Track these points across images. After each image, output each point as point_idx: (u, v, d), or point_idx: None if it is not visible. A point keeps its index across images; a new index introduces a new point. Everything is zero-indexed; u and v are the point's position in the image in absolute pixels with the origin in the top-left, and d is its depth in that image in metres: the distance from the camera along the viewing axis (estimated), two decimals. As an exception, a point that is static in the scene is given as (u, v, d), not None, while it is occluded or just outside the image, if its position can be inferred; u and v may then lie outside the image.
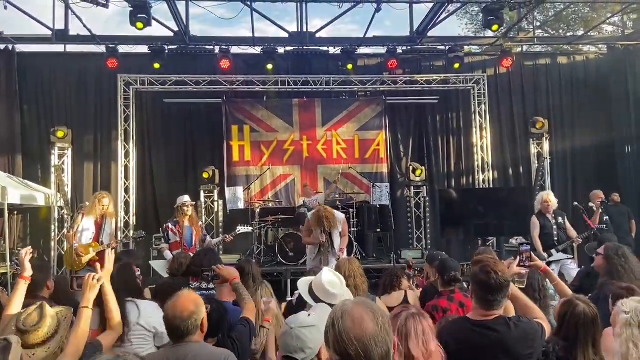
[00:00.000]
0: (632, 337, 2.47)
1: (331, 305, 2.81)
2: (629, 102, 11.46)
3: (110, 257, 3.20)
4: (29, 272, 3.23)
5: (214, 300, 3.22)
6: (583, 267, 6.57)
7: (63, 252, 8.89)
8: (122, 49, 10.54)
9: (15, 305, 3.05)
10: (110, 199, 6.89)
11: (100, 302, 3.26)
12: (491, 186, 11.26)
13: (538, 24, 14.56)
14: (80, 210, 7.14)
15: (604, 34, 13.64)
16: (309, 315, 2.42)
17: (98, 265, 3.14)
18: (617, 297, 3.47)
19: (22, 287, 3.16)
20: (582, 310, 2.88)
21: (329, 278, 3.10)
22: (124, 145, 10.78)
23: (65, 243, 8.51)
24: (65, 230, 9.31)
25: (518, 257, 3.45)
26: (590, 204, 9.07)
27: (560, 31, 17.73)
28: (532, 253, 3.60)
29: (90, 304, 2.77)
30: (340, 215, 6.85)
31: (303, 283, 3.24)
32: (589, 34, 12.46)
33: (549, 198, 7.31)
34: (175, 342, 2.64)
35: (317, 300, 2.98)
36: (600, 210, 8.06)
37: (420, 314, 2.35)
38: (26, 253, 3.31)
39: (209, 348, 2.73)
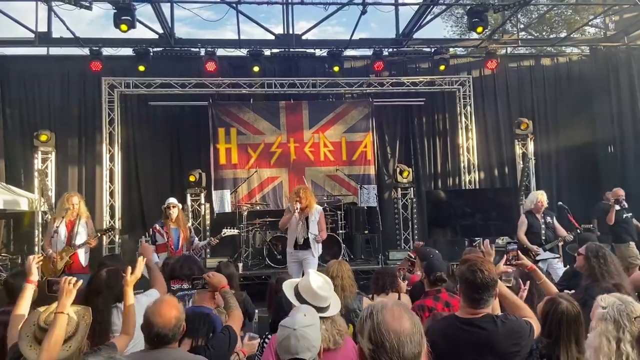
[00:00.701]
0: (606, 332, 2.50)
1: (318, 309, 2.81)
2: (611, 103, 11.63)
3: (140, 264, 3.31)
4: (35, 277, 3.22)
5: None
6: (569, 266, 6.63)
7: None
8: (106, 51, 10.44)
9: (22, 307, 3.04)
10: (79, 198, 6.81)
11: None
12: (477, 187, 11.34)
13: (522, 26, 14.74)
14: (54, 216, 6.99)
15: (586, 35, 13.82)
16: (304, 315, 2.42)
17: (129, 269, 3.21)
18: (607, 293, 3.50)
19: (29, 291, 3.15)
20: (565, 307, 2.90)
21: (318, 281, 3.08)
22: (109, 148, 10.67)
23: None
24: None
25: (505, 256, 3.49)
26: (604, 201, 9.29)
27: (544, 33, 17.95)
28: (519, 252, 3.63)
29: (65, 309, 2.65)
30: (317, 207, 6.92)
31: (288, 285, 3.22)
32: (571, 35, 12.63)
33: (543, 198, 7.37)
34: (154, 347, 2.62)
35: (303, 302, 2.95)
36: (618, 207, 8.16)
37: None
38: (34, 259, 3.30)
39: (184, 354, 2.71)
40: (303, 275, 3.49)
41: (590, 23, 13.42)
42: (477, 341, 2.53)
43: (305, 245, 6.69)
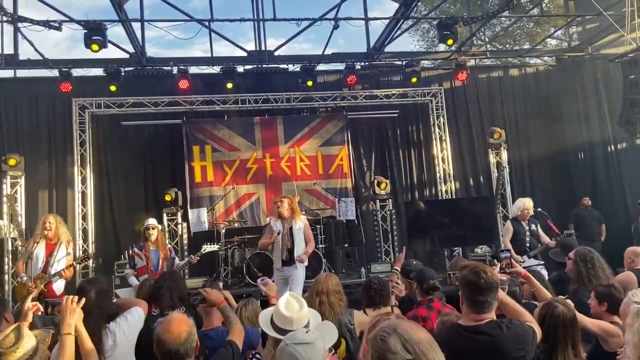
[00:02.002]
0: None
1: (286, 332, 2.68)
2: (579, 111, 11.96)
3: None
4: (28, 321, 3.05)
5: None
6: (555, 272, 6.72)
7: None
8: (76, 72, 10.24)
9: None
10: (57, 221, 6.47)
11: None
12: (453, 197, 11.45)
13: (487, 39, 15.13)
14: (31, 239, 6.69)
15: (549, 47, 14.26)
16: (307, 332, 2.32)
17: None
18: (607, 294, 3.55)
19: None
20: (561, 311, 2.93)
21: (286, 300, 2.95)
22: (81, 170, 10.41)
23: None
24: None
25: (498, 264, 3.50)
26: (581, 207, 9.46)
27: (507, 46, 18.47)
28: (512, 260, 3.65)
29: (72, 330, 2.64)
30: (302, 217, 6.73)
31: (264, 315, 3.09)
32: (537, 47, 13.00)
33: (530, 205, 7.42)
34: None
35: (277, 329, 2.83)
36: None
37: (401, 319, 2.33)
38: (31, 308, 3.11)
39: None
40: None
41: (552, 35, 13.85)
42: (484, 348, 2.51)
43: (291, 260, 6.45)
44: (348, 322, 3.87)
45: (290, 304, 2.93)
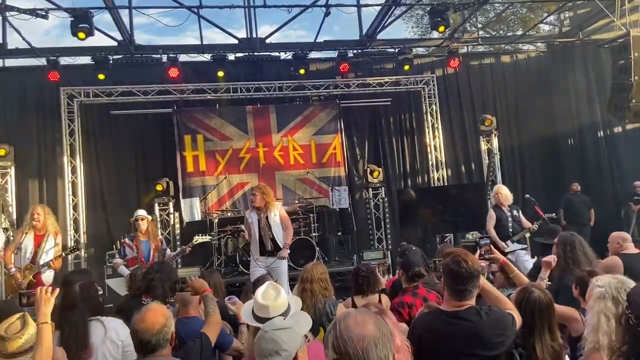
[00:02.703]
0: (605, 309, 2.56)
1: (264, 320, 2.73)
2: (569, 97, 12.01)
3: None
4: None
5: None
6: (537, 257, 6.79)
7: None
8: (64, 60, 10.14)
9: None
10: (45, 212, 6.41)
11: (59, 325, 3.13)
12: (445, 184, 11.49)
13: (480, 25, 15.07)
14: (19, 230, 6.66)
15: (542, 32, 14.22)
16: (284, 319, 2.39)
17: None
18: (580, 280, 3.59)
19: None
20: (537, 296, 2.97)
21: (262, 290, 3.02)
22: (70, 160, 10.34)
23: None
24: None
25: (478, 251, 3.55)
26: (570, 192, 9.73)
27: (501, 32, 18.40)
28: (491, 246, 3.70)
29: (48, 319, 2.65)
30: (276, 204, 6.64)
31: (246, 307, 3.14)
32: (528, 33, 12.98)
33: (500, 190, 7.70)
34: (144, 356, 2.56)
35: (257, 318, 2.89)
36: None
37: (382, 312, 2.35)
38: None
39: None
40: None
41: (545, 21, 13.82)
42: (463, 333, 2.55)
43: (275, 250, 6.31)
44: (329, 312, 3.90)
45: (267, 293, 3.00)
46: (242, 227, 7.47)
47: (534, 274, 5.11)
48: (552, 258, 4.12)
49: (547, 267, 4.11)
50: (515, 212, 7.62)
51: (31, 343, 2.55)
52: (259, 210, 6.31)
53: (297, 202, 10.37)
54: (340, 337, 1.59)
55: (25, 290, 3.11)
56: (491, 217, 7.64)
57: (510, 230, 7.49)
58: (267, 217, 6.31)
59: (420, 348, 2.57)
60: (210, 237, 8.15)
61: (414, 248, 4.61)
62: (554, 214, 8.88)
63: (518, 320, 2.75)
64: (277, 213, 6.38)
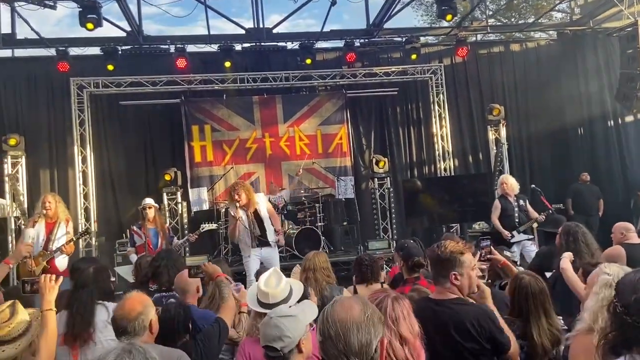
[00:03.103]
0: (609, 297, 2.56)
1: (267, 305, 2.83)
2: (579, 86, 11.87)
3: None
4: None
5: (177, 304, 3.19)
6: (543, 247, 6.79)
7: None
8: (74, 51, 10.25)
9: None
10: (55, 200, 6.52)
11: (68, 304, 3.24)
12: (452, 174, 11.46)
13: (490, 12, 14.91)
14: (31, 218, 6.79)
15: (553, 20, 14.05)
16: (290, 307, 2.48)
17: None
18: (587, 272, 3.60)
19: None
20: (528, 281, 3.02)
21: (265, 277, 3.11)
22: (81, 150, 10.48)
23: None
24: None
25: (478, 253, 3.55)
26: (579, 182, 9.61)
27: (512, 19, 18.19)
28: (492, 248, 3.70)
29: (52, 306, 2.73)
30: (259, 195, 6.74)
31: (251, 292, 3.25)
32: (539, 21, 12.83)
33: (506, 180, 7.60)
34: (121, 341, 2.62)
35: (261, 304, 2.99)
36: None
37: (401, 297, 2.37)
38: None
39: (158, 348, 2.68)
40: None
41: (556, 8, 13.65)
42: (442, 320, 2.59)
43: (266, 240, 6.40)
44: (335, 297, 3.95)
45: (269, 280, 3.11)
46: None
47: (537, 262, 5.14)
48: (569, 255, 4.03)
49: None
50: (521, 202, 7.52)
51: (20, 331, 2.58)
52: (243, 206, 6.35)
53: (302, 191, 10.41)
54: (325, 320, 1.62)
55: (29, 278, 3.19)
56: (496, 208, 7.58)
57: (517, 220, 7.40)
58: (254, 212, 6.39)
59: None
60: (217, 225, 8.23)
61: (412, 241, 4.65)
62: (561, 205, 8.85)
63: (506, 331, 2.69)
64: (264, 206, 6.51)
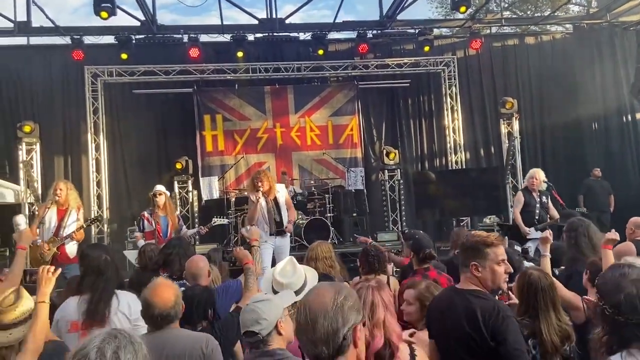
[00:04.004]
0: None
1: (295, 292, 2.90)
2: (594, 80, 11.72)
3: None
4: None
5: (202, 289, 3.22)
6: (554, 241, 6.70)
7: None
8: (88, 39, 10.32)
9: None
10: (67, 187, 6.48)
11: (79, 289, 3.23)
12: (463, 167, 11.41)
13: (505, 5, 14.76)
14: (43, 204, 6.85)
15: (570, 14, 13.86)
16: (265, 293, 2.59)
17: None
18: (591, 266, 3.58)
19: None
20: (537, 276, 2.98)
21: (281, 266, 3.16)
22: (94, 138, 10.60)
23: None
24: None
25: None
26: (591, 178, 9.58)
27: (528, 12, 17.97)
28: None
29: (46, 298, 2.67)
30: (279, 186, 6.81)
31: (266, 281, 3.29)
32: (555, 14, 12.66)
33: (537, 174, 7.24)
34: (156, 328, 2.67)
35: (275, 293, 3.05)
36: None
37: (380, 288, 2.34)
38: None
39: (187, 332, 2.77)
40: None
41: (573, 1, 13.45)
42: (457, 309, 2.56)
43: (281, 231, 6.48)
44: None
45: (285, 270, 3.14)
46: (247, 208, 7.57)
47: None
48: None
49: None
50: (544, 199, 7.20)
51: (26, 315, 2.56)
52: (265, 194, 6.44)
53: (312, 182, 10.44)
54: (300, 307, 1.62)
55: (31, 268, 3.19)
56: (519, 201, 7.21)
57: (537, 217, 7.07)
58: (274, 199, 6.46)
59: (430, 320, 2.72)
60: (228, 220, 8.23)
61: (421, 232, 4.64)
62: (585, 209, 8.72)
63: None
64: (283, 195, 6.58)
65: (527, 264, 4.35)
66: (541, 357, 2.82)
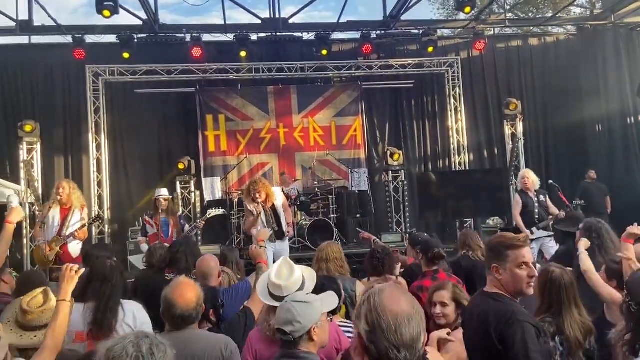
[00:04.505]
0: None
1: (279, 298, 2.76)
2: (598, 82, 11.68)
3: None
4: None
5: (205, 289, 3.14)
6: (563, 245, 6.66)
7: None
8: (90, 38, 10.26)
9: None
10: (70, 186, 6.47)
11: (84, 295, 3.07)
12: (467, 168, 11.36)
13: (508, 7, 14.71)
14: (46, 204, 6.80)
15: (573, 15, 13.83)
16: (307, 294, 2.50)
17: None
18: (612, 270, 3.53)
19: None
20: (560, 273, 2.96)
21: (276, 268, 3.03)
22: (95, 137, 10.52)
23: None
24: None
25: None
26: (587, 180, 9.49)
27: (530, 14, 17.95)
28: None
29: (68, 297, 2.64)
30: (275, 190, 6.77)
31: (261, 284, 3.13)
32: (558, 15, 12.63)
33: (527, 175, 7.37)
34: (177, 329, 2.62)
35: (273, 297, 2.91)
36: None
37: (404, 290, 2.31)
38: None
39: (207, 334, 2.75)
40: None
41: (576, 3, 13.41)
42: (475, 311, 2.52)
43: (281, 234, 6.50)
44: (350, 289, 3.91)
45: (281, 272, 3.01)
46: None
47: (555, 262, 5.04)
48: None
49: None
50: (542, 198, 7.26)
51: (51, 317, 2.56)
52: (263, 202, 6.40)
53: (315, 183, 10.38)
54: (374, 311, 1.59)
55: (56, 266, 3.15)
56: (517, 203, 7.32)
57: (537, 217, 7.15)
58: (271, 207, 6.45)
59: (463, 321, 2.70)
60: (224, 210, 8.14)
61: (425, 234, 4.57)
62: (582, 201, 8.67)
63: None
64: (280, 199, 6.60)
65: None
66: (567, 354, 2.79)
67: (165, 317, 2.67)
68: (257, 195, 6.31)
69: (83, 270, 2.83)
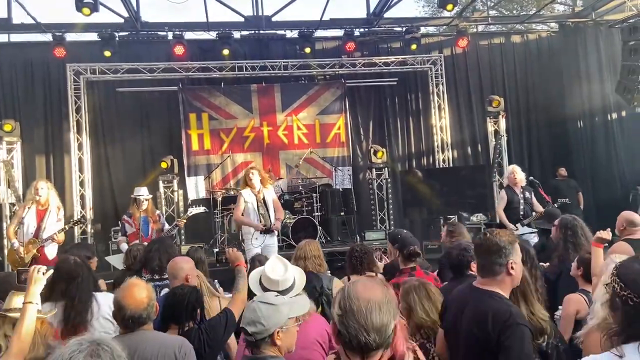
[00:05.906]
0: None
1: (282, 292, 2.83)
2: (580, 79, 11.76)
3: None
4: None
5: (190, 288, 3.12)
6: (538, 240, 6.74)
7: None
8: (71, 37, 10.13)
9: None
10: (48, 186, 6.38)
11: (65, 295, 3.12)
12: (451, 165, 11.41)
13: (491, 4, 14.80)
14: (22, 204, 6.69)
15: (555, 12, 13.94)
16: (277, 296, 2.45)
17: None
18: (581, 259, 3.57)
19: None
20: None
21: (271, 264, 3.09)
22: (77, 137, 10.40)
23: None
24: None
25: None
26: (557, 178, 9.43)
27: (514, 11, 18.07)
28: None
29: (34, 299, 2.57)
30: (269, 186, 6.81)
31: (253, 276, 3.20)
32: (540, 12, 12.72)
33: (514, 170, 7.35)
34: (129, 331, 2.59)
35: (264, 289, 2.97)
36: None
37: (385, 286, 2.30)
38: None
39: (161, 335, 2.70)
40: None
41: (557, 0, 13.52)
42: (469, 307, 2.52)
43: (269, 230, 6.47)
44: (326, 287, 3.91)
45: (276, 268, 3.07)
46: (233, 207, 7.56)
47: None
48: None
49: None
50: (527, 194, 7.26)
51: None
52: (252, 189, 6.45)
53: (299, 181, 10.37)
54: (347, 296, 1.65)
55: (24, 268, 3.10)
56: (502, 198, 7.28)
57: (522, 213, 7.14)
58: (263, 198, 6.47)
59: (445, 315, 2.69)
60: (205, 208, 8.11)
61: (405, 231, 4.57)
62: (567, 199, 8.71)
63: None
64: (271, 195, 6.63)
65: None
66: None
67: (116, 319, 2.65)
68: (251, 175, 6.42)
69: (51, 272, 2.79)
